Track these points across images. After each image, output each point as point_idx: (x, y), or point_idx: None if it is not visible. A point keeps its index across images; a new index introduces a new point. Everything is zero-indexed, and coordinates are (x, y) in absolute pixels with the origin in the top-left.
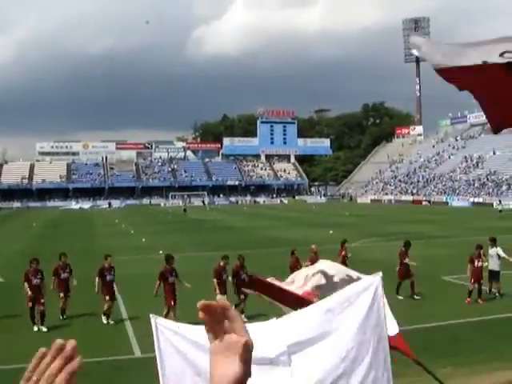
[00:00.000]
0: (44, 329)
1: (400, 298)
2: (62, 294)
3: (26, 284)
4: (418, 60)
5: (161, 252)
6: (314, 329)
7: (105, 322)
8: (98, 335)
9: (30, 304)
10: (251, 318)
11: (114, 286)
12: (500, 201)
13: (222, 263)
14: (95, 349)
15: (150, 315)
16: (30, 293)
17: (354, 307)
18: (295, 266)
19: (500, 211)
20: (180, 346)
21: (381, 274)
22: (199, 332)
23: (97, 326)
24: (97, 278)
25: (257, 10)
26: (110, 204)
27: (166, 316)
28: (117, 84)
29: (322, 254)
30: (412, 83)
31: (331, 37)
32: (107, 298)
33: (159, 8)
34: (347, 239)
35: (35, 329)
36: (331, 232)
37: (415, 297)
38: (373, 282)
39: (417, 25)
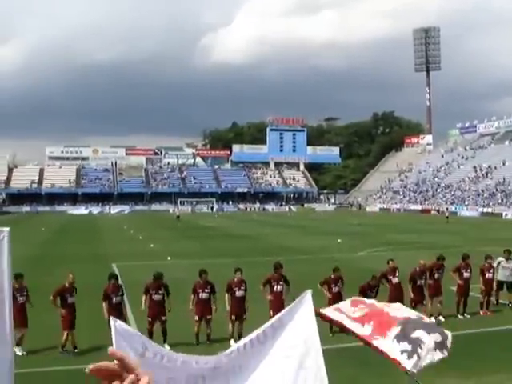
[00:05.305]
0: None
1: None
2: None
3: (144, 297)
4: (428, 69)
5: (169, 258)
6: (252, 357)
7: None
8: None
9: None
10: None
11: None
12: (447, 208)
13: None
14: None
15: (111, 318)
16: (147, 310)
17: (286, 327)
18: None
19: (447, 217)
20: (139, 349)
21: (310, 291)
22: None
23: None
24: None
25: (264, 19)
26: (109, 209)
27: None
28: (126, 90)
29: (331, 262)
30: (422, 93)
31: (340, 45)
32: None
33: (167, 16)
34: (357, 247)
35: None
36: (339, 240)
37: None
38: (303, 300)
39: (427, 34)
